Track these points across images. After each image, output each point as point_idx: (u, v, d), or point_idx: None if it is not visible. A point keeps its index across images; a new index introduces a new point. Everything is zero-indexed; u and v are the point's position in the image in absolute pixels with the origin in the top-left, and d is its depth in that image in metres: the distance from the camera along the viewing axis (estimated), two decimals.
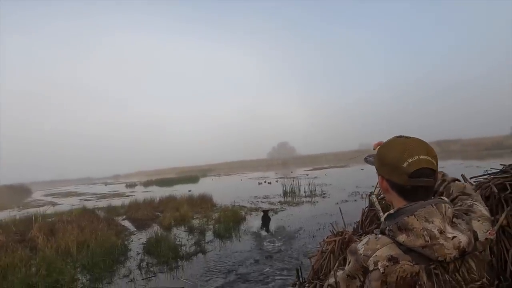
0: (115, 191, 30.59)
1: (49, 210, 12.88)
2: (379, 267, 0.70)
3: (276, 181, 22.99)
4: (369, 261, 0.71)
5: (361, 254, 0.73)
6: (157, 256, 5.68)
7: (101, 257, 5.66)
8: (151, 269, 5.12)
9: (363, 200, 10.89)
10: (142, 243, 6.80)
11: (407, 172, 0.74)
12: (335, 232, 1.68)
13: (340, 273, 0.80)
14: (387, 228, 0.74)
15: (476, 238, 0.72)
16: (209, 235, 7.22)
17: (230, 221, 8.19)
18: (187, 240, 6.89)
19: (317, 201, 11.38)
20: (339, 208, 2.49)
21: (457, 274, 0.71)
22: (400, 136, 0.81)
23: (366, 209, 1.63)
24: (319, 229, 6.92)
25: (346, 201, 10.75)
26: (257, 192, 16.26)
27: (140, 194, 20.73)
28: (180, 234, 7.51)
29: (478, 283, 0.72)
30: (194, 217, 9.69)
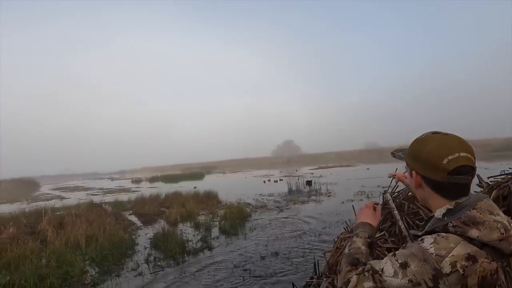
0: (121, 186, 30.94)
1: (57, 204, 13.08)
2: (458, 269, 0.63)
3: (281, 180, 22.99)
4: (443, 262, 0.64)
5: (432, 253, 0.66)
6: (164, 251, 5.75)
7: (109, 250, 5.75)
8: (159, 263, 5.18)
9: (369, 200, 10.86)
10: (149, 238, 6.88)
11: (447, 169, 0.72)
12: (349, 228, 1.68)
13: (389, 278, 0.69)
14: (451, 225, 0.69)
15: None
16: (215, 232, 7.27)
17: (235, 218, 8.23)
18: (193, 236, 6.95)
19: (322, 200, 11.35)
20: (352, 205, 2.49)
21: None
22: (436, 132, 0.80)
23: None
24: (324, 228, 6.92)
25: (352, 200, 10.71)
26: (262, 190, 16.29)
27: (146, 189, 20.91)
28: (186, 230, 7.58)
29: None
30: (200, 214, 9.76)
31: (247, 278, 4.23)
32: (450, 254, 0.65)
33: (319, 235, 6.29)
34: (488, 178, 1.68)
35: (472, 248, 0.65)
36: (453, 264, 0.64)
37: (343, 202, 10.31)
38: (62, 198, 19.77)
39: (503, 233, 0.64)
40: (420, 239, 0.73)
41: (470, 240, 0.66)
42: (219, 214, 9.23)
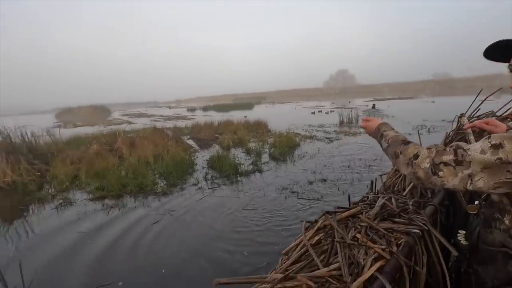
0: (178, 114, 33.42)
1: (127, 127, 14.84)
2: None
3: (332, 111, 22.21)
4: None
5: None
6: (220, 171, 6.35)
7: (173, 167, 6.56)
8: (215, 181, 5.79)
9: (430, 134, 10.04)
10: (206, 160, 7.58)
11: None
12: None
13: (475, 154, 0.67)
14: None
15: None
16: (264, 157, 7.66)
17: (284, 146, 8.47)
18: (245, 160, 7.45)
19: None
20: (417, 131, 2.30)
21: None
22: None
23: (451, 132, 1.46)
24: (375, 159, 6.75)
25: (410, 134, 10.01)
26: (312, 121, 16.08)
27: (200, 117, 22.25)
28: (238, 155, 8.12)
29: None
30: (251, 141, 10.23)
31: (295, 199, 4.54)
32: None
33: (369, 166, 6.20)
34: None
35: None
36: None
37: None
38: (130, 122, 22.30)
39: None
40: None
41: None
42: (269, 142, 9.56)
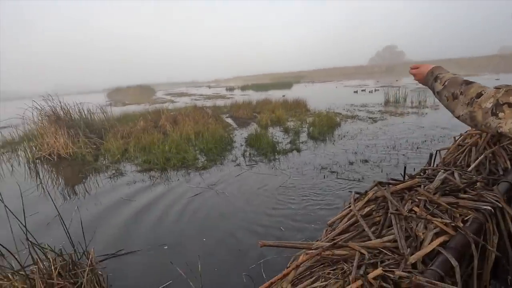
0: (217, 93, 34.03)
1: (170, 106, 15.52)
2: None
3: (377, 90, 20.83)
4: None
5: None
6: (257, 149, 6.39)
7: (212, 144, 6.76)
8: (253, 158, 5.85)
9: None
10: (244, 138, 7.67)
11: None
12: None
13: None
14: None
15: None
16: (303, 137, 7.51)
17: (324, 125, 8.20)
18: (283, 138, 7.38)
19: (426, 113, 9.97)
20: None
21: None
22: None
23: None
24: (425, 141, 6.24)
25: None
26: (354, 100, 15.28)
27: (239, 96, 22.39)
28: (276, 133, 8.06)
29: None
30: (289, 120, 10.08)
31: (334, 179, 4.41)
32: None
33: (417, 148, 5.75)
34: None
35: None
36: None
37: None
38: (172, 101, 23.30)
39: None
40: None
41: None
42: (307, 121, 9.32)
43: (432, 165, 1.21)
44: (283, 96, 16.72)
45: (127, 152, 6.88)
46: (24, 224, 1.96)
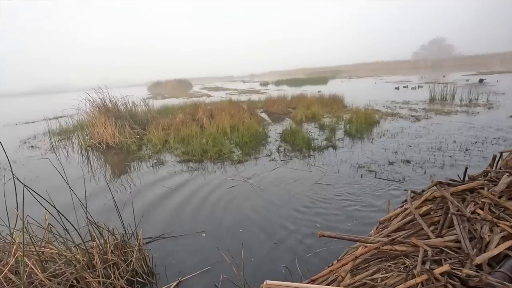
0: (252, 88, 34.27)
1: (206, 100, 15.98)
2: None
3: (421, 86, 19.53)
4: None
5: None
6: (292, 145, 6.37)
7: (248, 138, 6.86)
8: (288, 154, 5.85)
9: None
10: (278, 133, 7.68)
11: None
12: None
13: None
14: None
15: None
16: (339, 134, 7.32)
17: (362, 122, 7.91)
18: (318, 135, 7.26)
19: (478, 112, 9.15)
20: None
21: None
22: None
23: None
24: (475, 142, 5.75)
25: None
26: (395, 97, 14.49)
27: (273, 91, 22.37)
28: (311, 130, 7.95)
29: None
30: (324, 116, 9.87)
31: (372, 178, 4.26)
32: None
33: (466, 149, 5.32)
34: None
35: None
36: None
37: (511, 116, 8.02)
38: (209, 95, 23.93)
39: None
40: None
41: None
42: (344, 118, 9.06)
43: (494, 167, 1.13)
44: (319, 91, 16.37)
45: (167, 143, 7.25)
46: (85, 205, 2.18)
